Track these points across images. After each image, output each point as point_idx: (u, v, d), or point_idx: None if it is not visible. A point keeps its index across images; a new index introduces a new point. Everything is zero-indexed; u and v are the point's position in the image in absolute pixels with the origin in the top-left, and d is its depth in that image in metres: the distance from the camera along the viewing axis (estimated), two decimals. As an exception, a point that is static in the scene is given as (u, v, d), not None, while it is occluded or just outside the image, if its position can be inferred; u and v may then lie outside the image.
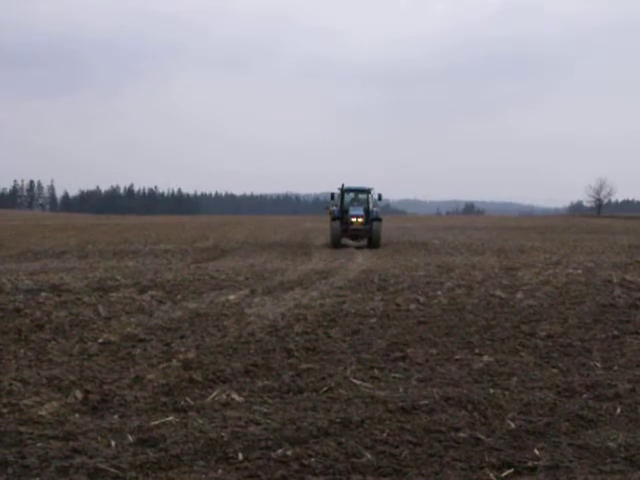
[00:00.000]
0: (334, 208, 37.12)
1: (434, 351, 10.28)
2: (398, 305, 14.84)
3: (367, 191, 38.07)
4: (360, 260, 28.38)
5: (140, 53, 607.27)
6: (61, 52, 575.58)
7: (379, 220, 36.77)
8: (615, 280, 19.12)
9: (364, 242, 37.27)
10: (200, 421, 6.91)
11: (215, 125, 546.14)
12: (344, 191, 37.92)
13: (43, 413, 7.24)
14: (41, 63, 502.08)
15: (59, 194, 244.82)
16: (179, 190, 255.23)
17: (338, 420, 6.87)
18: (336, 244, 36.10)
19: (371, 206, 37.23)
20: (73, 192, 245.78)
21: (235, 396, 7.87)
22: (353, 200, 38.13)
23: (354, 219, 36.25)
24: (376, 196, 37.94)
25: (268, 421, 6.88)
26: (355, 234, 36.89)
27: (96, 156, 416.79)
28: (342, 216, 36.58)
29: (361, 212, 36.45)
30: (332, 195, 38.29)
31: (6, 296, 16.64)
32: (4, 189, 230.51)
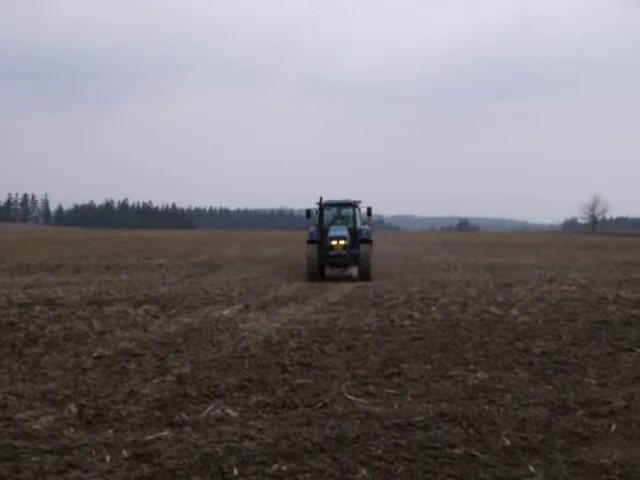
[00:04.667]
0: (312, 229, 28.72)
1: (429, 367, 10.28)
2: (392, 321, 14.85)
3: (352, 205, 29.67)
4: (357, 272, 28.37)
5: (137, 70, 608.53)
6: (59, 67, 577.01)
7: (369, 242, 28.01)
8: (609, 297, 19.16)
9: (352, 272, 29.35)
10: (195, 436, 6.90)
11: (209, 141, 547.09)
12: (323, 206, 29.39)
13: (38, 427, 7.23)
14: (38, 78, 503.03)
15: (53, 207, 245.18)
16: (173, 205, 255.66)
17: (333, 436, 6.87)
18: (314, 276, 27.22)
19: (358, 224, 29.14)
20: (67, 206, 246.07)
21: (230, 411, 7.87)
22: (336, 218, 29.91)
23: (334, 242, 27.58)
24: (364, 211, 29.75)
25: (263, 436, 6.88)
26: (336, 261, 28.16)
27: (91, 170, 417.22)
28: (322, 238, 28.19)
29: (343, 232, 27.93)
30: (308, 212, 30.12)
31: (0, 310, 16.62)
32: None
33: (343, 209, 29.94)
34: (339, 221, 29.64)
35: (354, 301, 18.89)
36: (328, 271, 29.31)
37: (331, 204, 29.73)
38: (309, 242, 28.02)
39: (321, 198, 29.22)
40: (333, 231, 28.03)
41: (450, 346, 12.00)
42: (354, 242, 28.06)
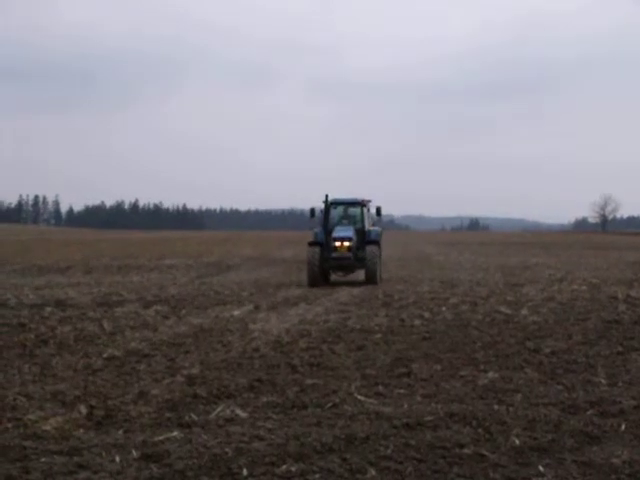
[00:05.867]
0: (317, 229, 26.64)
1: (439, 367, 10.27)
2: (403, 321, 14.84)
3: (361, 204, 27.15)
4: (364, 276, 28.27)
5: (146, 70, 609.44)
6: (67, 68, 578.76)
7: (376, 244, 25.85)
8: (620, 296, 19.09)
9: (358, 276, 26.97)
10: (204, 436, 6.90)
11: (219, 141, 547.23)
12: (329, 205, 26.92)
13: (47, 428, 7.24)
14: (47, 79, 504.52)
15: (64, 209, 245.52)
16: (184, 205, 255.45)
17: (342, 436, 6.86)
18: (315, 281, 24.88)
19: (367, 224, 26.76)
20: (78, 207, 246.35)
21: (239, 412, 7.87)
22: (342, 218, 27.42)
23: (338, 243, 25.33)
24: (373, 210, 27.43)
25: (272, 437, 6.87)
26: (340, 264, 25.88)
27: (101, 171, 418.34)
28: (326, 239, 25.90)
29: (349, 233, 25.72)
30: (312, 211, 27.64)
31: (11, 311, 16.73)
32: (9, 204, 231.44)
33: (350, 208, 27.50)
34: (346, 221, 27.16)
35: (364, 301, 18.90)
36: (333, 276, 27.04)
37: (337, 203, 27.35)
38: (311, 244, 25.79)
39: (327, 196, 26.76)
40: (338, 231, 25.85)
41: (460, 346, 11.98)
42: (361, 244, 25.82)
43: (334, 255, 25.33)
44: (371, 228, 26.83)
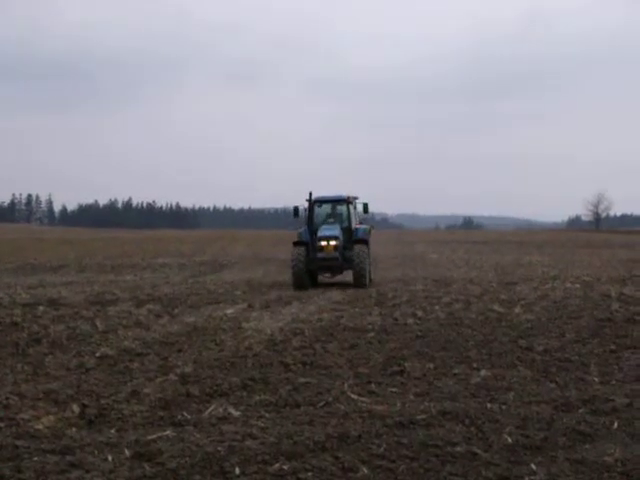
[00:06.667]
0: (303, 229, 25.51)
1: (431, 365, 10.27)
2: (396, 319, 14.84)
3: (347, 201, 25.83)
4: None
5: (140, 70, 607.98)
6: (61, 68, 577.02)
7: (365, 243, 24.60)
8: (613, 294, 19.11)
9: (347, 277, 25.93)
10: (197, 435, 6.89)
11: (213, 140, 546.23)
12: (313, 203, 25.64)
13: (40, 427, 7.23)
14: (40, 78, 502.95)
15: (57, 208, 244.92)
16: (177, 204, 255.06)
17: (335, 434, 6.85)
18: (301, 283, 23.69)
19: (354, 223, 25.58)
20: (71, 206, 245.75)
21: (232, 410, 7.86)
22: (328, 216, 25.97)
23: (324, 242, 24.14)
24: (360, 207, 26.05)
25: (265, 435, 6.86)
26: (326, 265, 24.71)
27: (94, 170, 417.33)
28: (311, 239, 24.84)
29: (335, 232, 24.47)
30: (295, 210, 26.14)
31: (3, 310, 16.71)
32: (2, 202, 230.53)
33: (336, 206, 26.13)
34: (331, 220, 25.71)
35: (357, 300, 18.91)
36: (320, 277, 26.18)
37: (322, 200, 26.03)
38: (295, 244, 24.54)
39: (310, 194, 25.50)
40: (323, 230, 24.65)
41: (453, 344, 11.99)
42: (348, 243, 24.67)
43: (320, 255, 24.24)
44: (358, 226, 25.74)
